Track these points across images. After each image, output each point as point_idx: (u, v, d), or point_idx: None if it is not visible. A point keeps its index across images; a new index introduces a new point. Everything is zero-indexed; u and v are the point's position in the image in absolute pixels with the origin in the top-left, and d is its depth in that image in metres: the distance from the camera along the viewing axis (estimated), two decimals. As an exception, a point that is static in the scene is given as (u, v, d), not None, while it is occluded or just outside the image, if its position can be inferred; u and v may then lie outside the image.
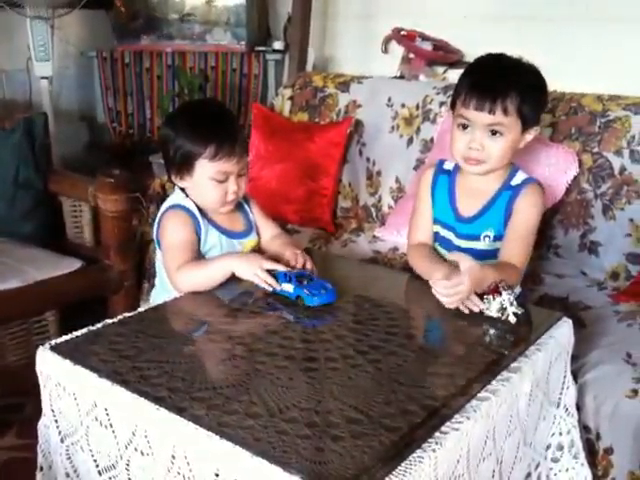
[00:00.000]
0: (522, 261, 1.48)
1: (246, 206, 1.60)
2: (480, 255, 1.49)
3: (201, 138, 1.44)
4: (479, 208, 1.54)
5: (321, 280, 1.38)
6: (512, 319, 1.27)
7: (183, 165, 1.46)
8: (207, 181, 1.46)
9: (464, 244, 1.55)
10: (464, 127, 1.48)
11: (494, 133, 1.45)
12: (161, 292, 1.55)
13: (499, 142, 1.46)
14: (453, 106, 1.53)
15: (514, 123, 1.45)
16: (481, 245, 1.54)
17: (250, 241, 1.58)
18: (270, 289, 1.36)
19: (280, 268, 1.38)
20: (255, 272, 1.37)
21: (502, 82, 1.45)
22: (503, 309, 1.28)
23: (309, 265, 1.46)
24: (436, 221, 1.61)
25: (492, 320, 1.29)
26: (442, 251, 1.59)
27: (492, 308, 1.29)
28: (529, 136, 1.51)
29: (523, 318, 1.28)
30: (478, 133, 1.46)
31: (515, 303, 1.28)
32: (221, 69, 3.04)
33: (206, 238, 1.49)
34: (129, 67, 3.14)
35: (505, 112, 1.43)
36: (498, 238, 1.53)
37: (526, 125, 1.48)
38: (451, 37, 2.55)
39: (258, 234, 1.62)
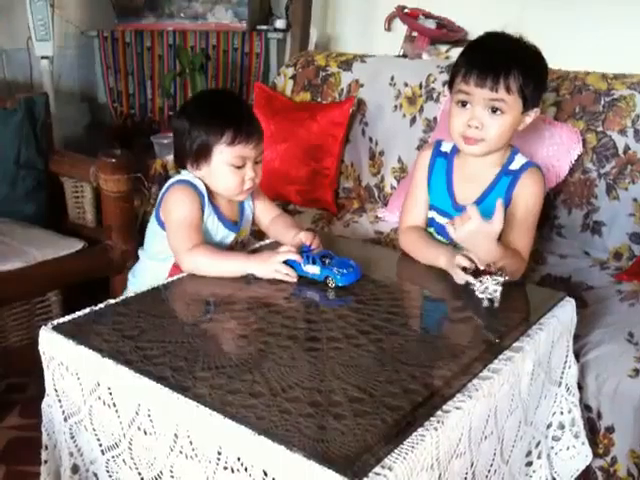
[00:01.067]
0: (526, 251, 1.46)
1: (247, 197, 1.58)
2: None
3: (218, 124, 1.43)
4: (477, 195, 1.51)
5: (342, 258, 1.38)
6: (485, 303, 1.27)
7: (200, 153, 1.45)
8: (225, 167, 1.45)
9: None
10: (463, 104, 1.44)
11: (494, 111, 1.41)
12: (148, 265, 1.55)
13: (499, 120, 1.42)
14: (451, 84, 1.49)
15: (515, 102, 1.42)
16: None
17: (241, 232, 1.58)
18: (294, 280, 1.36)
19: (294, 257, 1.37)
20: (274, 269, 1.36)
21: (505, 59, 1.41)
22: (485, 291, 1.28)
23: (318, 245, 1.45)
24: (432, 207, 1.58)
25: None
26: (438, 238, 1.57)
27: (479, 288, 1.28)
28: (529, 118, 1.48)
29: (493, 309, 1.27)
30: (478, 109, 1.42)
31: (495, 291, 1.27)
32: (222, 48, 3.01)
33: (206, 221, 1.49)
34: (130, 46, 3.12)
35: (508, 90, 1.40)
36: None
37: (527, 106, 1.44)
38: (455, 15, 2.53)
39: (254, 220, 1.62)
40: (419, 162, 1.61)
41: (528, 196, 1.47)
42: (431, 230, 1.59)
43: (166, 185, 1.51)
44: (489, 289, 1.27)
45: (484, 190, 1.51)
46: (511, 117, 1.43)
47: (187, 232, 1.43)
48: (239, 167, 1.46)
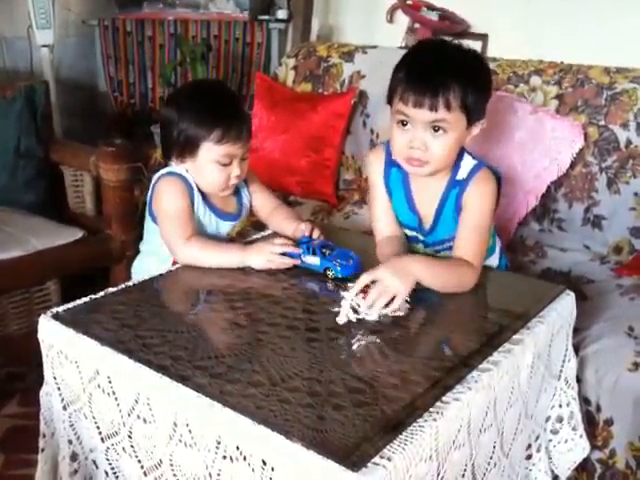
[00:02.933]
0: (477, 257, 1.35)
1: (243, 189, 1.57)
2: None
3: (208, 120, 1.40)
4: (433, 212, 1.43)
5: (343, 249, 1.37)
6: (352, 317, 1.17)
7: (186, 147, 1.43)
8: (210, 164, 1.43)
9: (435, 249, 1.49)
10: (403, 123, 1.32)
11: (436, 130, 1.30)
12: (149, 259, 1.54)
13: (442, 140, 1.31)
14: (390, 101, 1.36)
15: (458, 119, 1.30)
16: (449, 253, 1.43)
17: (240, 223, 1.57)
18: (289, 265, 1.35)
19: (289, 249, 1.37)
20: (267, 259, 1.36)
21: (442, 74, 1.28)
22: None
23: (318, 235, 1.45)
24: (401, 224, 1.49)
25: (495, 293, 1.29)
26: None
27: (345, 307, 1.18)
28: (475, 129, 1.36)
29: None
30: (419, 131, 1.30)
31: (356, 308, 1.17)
32: (224, 38, 3.00)
33: (197, 214, 1.47)
34: (131, 36, 3.10)
35: (448, 108, 1.27)
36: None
37: (471, 119, 1.32)
38: (457, 7, 2.51)
39: (252, 210, 1.60)
40: (372, 168, 1.49)
41: (476, 202, 1.37)
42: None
43: (154, 178, 1.49)
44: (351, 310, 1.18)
45: (437, 206, 1.42)
46: (455, 135, 1.31)
47: (178, 223, 1.41)
48: (225, 165, 1.43)
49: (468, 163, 1.39)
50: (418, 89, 1.28)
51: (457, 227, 1.39)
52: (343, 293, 1.20)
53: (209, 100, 1.45)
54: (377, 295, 1.17)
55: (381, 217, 1.50)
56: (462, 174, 1.39)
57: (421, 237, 1.49)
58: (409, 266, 1.24)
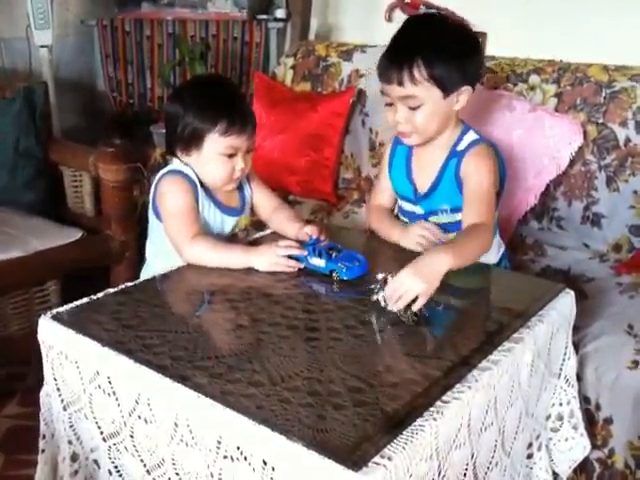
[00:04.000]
0: (487, 217, 1.41)
1: (245, 184, 1.58)
2: (445, 228, 1.51)
3: (213, 113, 1.42)
4: (432, 180, 1.51)
5: (350, 251, 1.37)
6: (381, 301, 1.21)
7: (192, 140, 1.44)
8: (216, 156, 1.44)
9: (429, 217, 1.55)
10: (388, 103, 1.45)
11: (412, 108, 1.41)
12: (155, 260, 1.54)
13: (418, 113, 1.41)
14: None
15: (428, 90, 1.39)
16: (442, 219, 1.52)
17: (242, 218, 1.57)
18: (294, 270, 1.36)
19: (294, 251, 1.37)
20: (273, 262, 1.36)
21: (406, 50, 1.39)
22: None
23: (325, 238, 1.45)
24: (398, 195, 1.61)
25: (494, 292, 1.29)
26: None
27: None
28: (462, 96, 1.43)
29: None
30: (399, 106, 1.42)
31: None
32: (222, 37, 3.00)
33: (202, 210, 1.47)
34: (129, 35, 3.10)
35: (413, 81, 1.37)
36: (456, 210, 1.50)
37: (446, 89, 1.40)
38: (455, 6, 2.51)
39: (253, 209, 1.60)
40: (385, 151, 1.65)
41: (475, 170, 1.44)
42: (403, 218, 1.61)
43: (157, 177, 1.49)
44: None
45: (437, 174, 1.51)
46: (430, 106, 1.40)
47: (184, 221, 1.42)
48: (230, 157, 1.44)
49: (470, 137, 1.49)
50: (387, 66, 1.41)
51: (464, 199, 1.45)
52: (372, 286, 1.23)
53: (213, 94, 1.46)
54: (397, 298, 1.17)
55: (379, 193, 1.66)
56: (462, 146, 1.48)
57: (419, 210, 1.56)
58: (434, 263, 1.22)
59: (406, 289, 1.16)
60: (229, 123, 1.41)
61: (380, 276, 1.21)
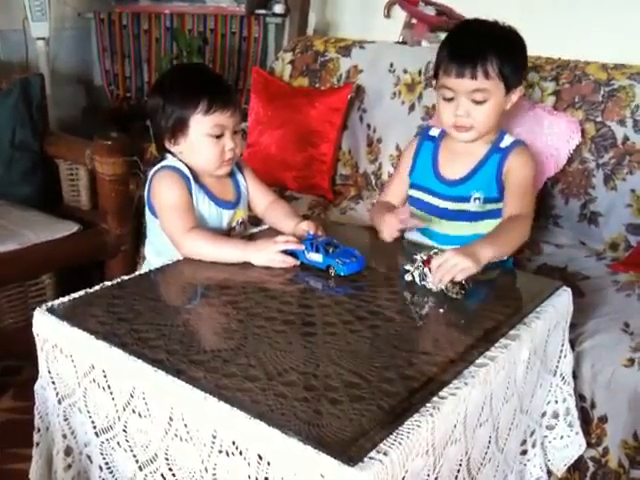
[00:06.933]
0: (529, 209, 1.50)
1: (239, 176, 1.58)
2: (470, 217, 1.56)
3: (193, 94, 1.43)
4: (468, 170, 1.57)
5: (347, 247, 1.37)
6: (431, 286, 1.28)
7: (177, 127, 1.44)
8: (203, 138, 1.44)
9: (452, 206, 1.58)
10: (449, 98, 1.51)
11: (478, 102, 1.49)
12: (156, 260, 1.52)
13: (484, 107, 1.50)
14: (436, 77, 1.56)
15: (496, 86, 1.49)
16: (471, 207, 1.56)
17: (239, 212, 1.56)
18: (291, 265, 1.35)
19: (292, 246, 1.37)
20: (270, 258, 1.35)
21: (480, 46, 1.48)
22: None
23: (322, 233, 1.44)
24: (417, 187, 1.64)
25: (491, 289, 1.28)
26: (425, 215, 1.61)
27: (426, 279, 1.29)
28: (514, 96, 1.54)
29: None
30: (463, 100, 1.49)
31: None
32: (220, 32, 2.99)
33: (197, 204, 1.47)
34: (127, 29, 3.08)
35: (486, 75, 1.46)
36: (488, 200, 1.56)
37: (509, 86, 1.50)
38: (455, 3, 2.50)
39: (248, 204, 1.60)
40: (407, 149, 1.70)
41: (520, 167, 1.53)
42: (419, 212, 1.62)
43: (150, 174, 1.50)
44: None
45: (475, 165, 1.57)
46: (494, 101, 1.50)
47: (179, 215, 1.42)
48: (218, 137, 1.45)
49: (510, 138, 1.58)
50: (459, 61, 1.47)
51: (506, 192, 1.52)
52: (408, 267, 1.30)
53: (190, 77, 1.49)
54: (443, 273, 1.24)
55: (389, 188, 1.72)
56: (505, 144, 1.56)
57: (442, 202, 1.59)
58: (478, 252, 1.28)
59: (452, 264, 1.23)
60: (210, 101, 1.42)
61: (418, 256, 1.29)
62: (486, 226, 1.53)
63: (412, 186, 1.66)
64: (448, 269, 1.24)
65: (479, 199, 1.56)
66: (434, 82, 1.60)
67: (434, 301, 1.26)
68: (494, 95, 1.49)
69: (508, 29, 1.54)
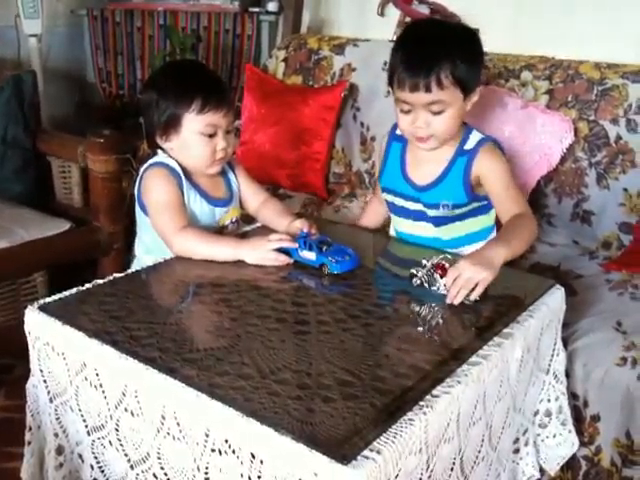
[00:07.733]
0: (525, 205, 1.49)
1: (230, 174, 1.57)
2: (439, 221, 1.55)
3: (187, 92, 1.42)
4: (435, 176, 1.53)
5: (341, 245, 1.36)
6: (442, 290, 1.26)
7: (170, 124, 1.44)
8: (195, 136, 1.43)
9: (421, 208, 1.56)
10: (406, 110, 1.45)
11: (436, 113, 1.42)
12: (146, 257, 1.51)
13: (443, 117, 1.43)
14: (391, 84, 1.48)
15: (453, 94, 1.42)
16: (440, 213, 1.54)
17: (232, 210, 1.55)
18: (285, 263, 1.35)
19: (285, 244, 1.36)
20: (262, 256, 1.35)
21: (431, 55, 1.40)
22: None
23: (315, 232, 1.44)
24: (388, 191, 1.61)
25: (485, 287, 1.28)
26: (398, 219, 1.61)
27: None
28: (475, 96, 1.48)
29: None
30: (420, 112, 1.43)
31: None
32: (214, 29, 2.98)
33: (188, 202, 1.46)
34: (120, 26, 3.07)
35: (440, 86, 1.39)
36: (457, 206, 1.53)
37: (467, 89, 1.43)
38: (448, 1, 2.50)
39: (241, 203, 1.59)
40: (380, 149, 1.66)
41: (493, 168, 1.49)
42: (393, 216, 1.62)
43: (141, 171, 1.49)
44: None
45: (442, 171, 1.52)
46: (453, 110, 1.43)
47: (171, 213, 1.41)
48: (210, 137, 1.44)
49: (476, 136, 1.52)
50: (412, 74, 1.40)
51: (492, 197, 1.51)
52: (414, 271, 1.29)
53: (185, 75, 1.48)
54: (458, 289, 1.22)
55: (377, 188, 1.68)
56: (470, 145, 1.51)
57: (416, 206, 1.56)
58: (492, 257, 1.27)
59: (466, 278, 1.21)
60: (204, 100, 1.41)
61: (427, 262, 1.28)
62: (450, 230, 1.55)
63: (384, 190, 1.63)
64: (463, 284, 1.22)
65: (447, 206, 1.52)
66: (389, 89, 1.53)
67: (427, 300, 1.26)
68: (451, 104, 1.42)
69: (461, 29, 1.49)
